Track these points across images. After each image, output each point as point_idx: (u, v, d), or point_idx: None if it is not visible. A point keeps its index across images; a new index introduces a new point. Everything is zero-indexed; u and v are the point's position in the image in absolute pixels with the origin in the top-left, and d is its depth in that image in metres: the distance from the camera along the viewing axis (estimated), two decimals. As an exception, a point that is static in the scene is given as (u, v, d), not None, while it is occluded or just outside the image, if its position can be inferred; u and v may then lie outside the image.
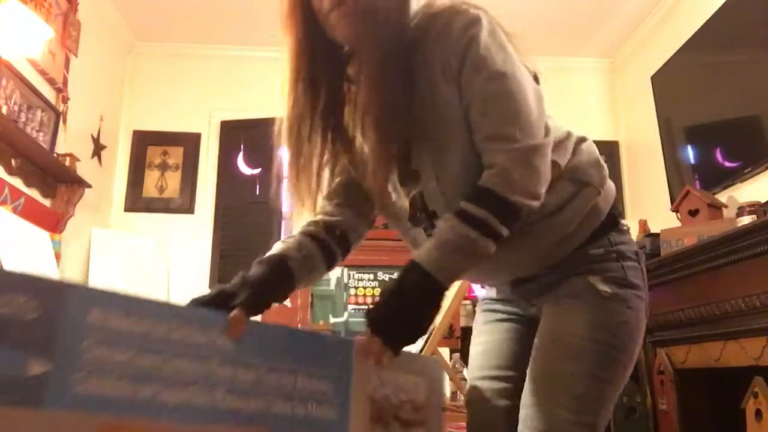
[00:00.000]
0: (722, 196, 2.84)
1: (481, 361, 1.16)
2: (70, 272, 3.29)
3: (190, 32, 3.92)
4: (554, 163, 0.99)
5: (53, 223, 3.06)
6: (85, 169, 3.30)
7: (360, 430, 0.87)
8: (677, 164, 3.29)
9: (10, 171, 2.74)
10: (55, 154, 3.02)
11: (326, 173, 1.06)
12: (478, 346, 1.19)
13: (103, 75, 3.76)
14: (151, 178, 3.99)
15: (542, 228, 1.00)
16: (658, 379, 2.66)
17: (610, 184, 1.08)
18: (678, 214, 2.85)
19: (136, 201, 3.95)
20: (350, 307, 3.76)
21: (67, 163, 3.07)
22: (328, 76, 1.00)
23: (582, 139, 1.10)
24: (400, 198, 1.05)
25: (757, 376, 2.01)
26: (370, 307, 0.89)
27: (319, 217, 1.09)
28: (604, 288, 1.00)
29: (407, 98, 0.95)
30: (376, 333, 0.86)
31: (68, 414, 0.62)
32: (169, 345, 0.72)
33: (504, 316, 1.17)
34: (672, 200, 3.10)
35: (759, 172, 2.65)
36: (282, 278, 0.99)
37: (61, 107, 3.15)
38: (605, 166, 1.09)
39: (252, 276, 0.95)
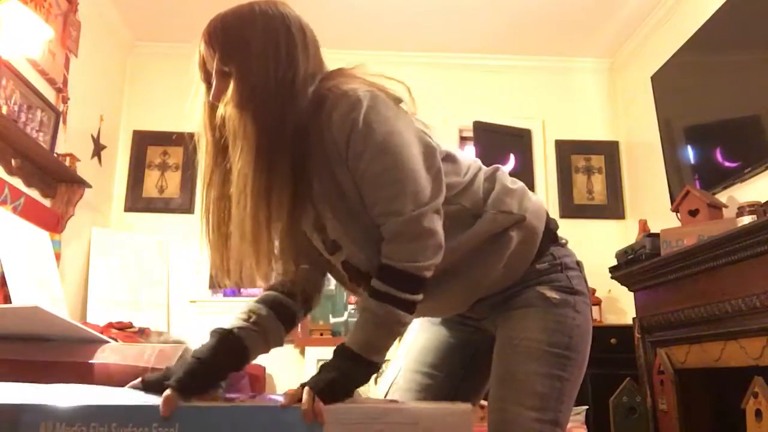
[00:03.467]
0: (722, 196, 2.84)
1: (420, 355, 1.25)
2: (70, 272, 3.29)
3: (190, 32, 3.88)
4: (462, 207, 1.05)
5: (53, 223, 3.06)
6: (85, 169, 3.30)
7: None
8: (677, 164, 3.29)
9: (10, 171, 2.74)
10: (55, 154, 3.02)
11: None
12: (420, 340, 1.27)
13: (103, 75, 3.76)
14: (151, 178, 3.99)
15: (483, 255, 1.06)
16: (658, 379, 2.66)
17: (535, 202, 1.14)
18: (678, 214, 2.85)
19: (136, 201, 3.95)
20: (350, 306, 3.77)
21: (67, 163, 3.07)
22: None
23: (495, 169, 1.15)
24: (338, 266, 1.10)
25: (757, 376, 2.01)
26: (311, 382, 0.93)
27: (276, 278, 1.14)
28: (553, 295, 1.08)
29: (300, 181, 1.00)
30: (315, 393, 0.91)
31: None
32: None
33: (456, 319, 1.22)
34: (672, 200, 3.10)
35: (759, 172, 2.65)
36: (232, 349, 1.04)
37: (61, 107, 3.15)
38: (518, 187, 1.14)
39: (197, 352, 1.02)
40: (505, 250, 1.07)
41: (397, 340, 1.03)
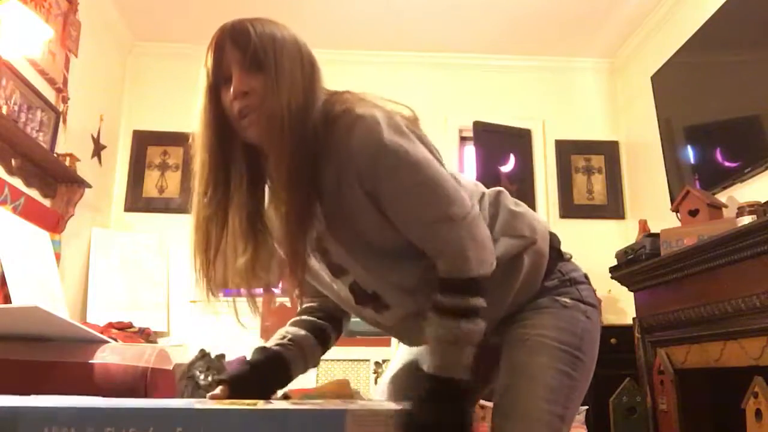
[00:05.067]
0: (722, 196, 2.84)
1: (405, 364, 1.27)
2: (70, 272, 3.29)
3: (190, 32, 3.91)
4: None
5: (53, 223, 3.06)
6: (85, 169, 3.30)
7: None
8: (677, 164, 3.29)
9: (10, 171, 2.74)
10: (55, 154, 3.02)
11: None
12: (411, 349, 1.28)
13: (103, 75, 3.76)
14: (151, 178, 3.99)
15: (498, 282, 1.05)
16: (658, 379, 2.66)
17: (539, 222, 1.14)
18: (678, 214, 2.85)
19: (136, 201, 3.95)
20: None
21: (67, 163, 3.07)
22: (243, 171, 1.04)
23: (498, 193, 1.15)
24: (341, 288, 1.10)
25: (757, 376, 2.01)
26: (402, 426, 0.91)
27: (308, 305, 1.20)
28: (565, 300, 1.10)
29: (314, 198, 0.98)
30: None
31: None
32: None
33: None
34: (672, 200, 3.10)
35: (759, 172, 2.65)
36: (279, 365, 1.09)
37: (61, 107, 3.15)
38: (523, 209, 1.14)
39: (249, 361, 1.08)
40: (519, 275, 1.08)
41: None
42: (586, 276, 1.17)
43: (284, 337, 1.13)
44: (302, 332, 1.15)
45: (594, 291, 1.17)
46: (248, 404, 0.88)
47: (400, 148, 0.96)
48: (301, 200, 0.96)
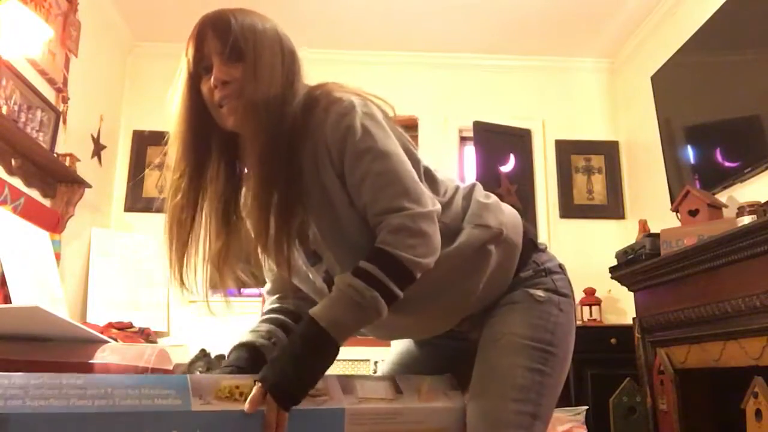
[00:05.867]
0: (722, 196, 2.84)
1: (400, 358, 1.29)
2: (70, 272, 3.29)
3: (190, 32, 3.90)
4: (443, 225, 1.04)
5: (53, 223, 3.06)
6: (85, 169, 3.30)
7: None
8: (677, 164, 3.29)
9: (10, 171, 2.74)
10: (55, 154, 3.02)
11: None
12: (405, 343, 1.29)
13: (103, 75, 3.76)
14: (151, 178, 3.99)
15: (463, 272, 1.06)
16: (658, 379, 2.66)
17: (509, 214, 1.15)
18: (678, 214, 2.85)
19: (136, 201, 3.94)
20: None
21: (67, 163, 3.07)
22: (219, 159, 1.07)
23: (471, 186, 1.15)
24: (316, 277, 1.09)
25: (757, 376, 2.01)
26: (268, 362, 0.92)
27: (275, 305, 1.18)
28: (538, 293, 1.09)
29: (293, 184, 0.99)
30: (267, 389, 0.88)
31: None
32: None
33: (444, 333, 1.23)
34: (672, 200, 3.10)
35: (759, 172, 2.65)
36: (258, 364, 1.06)
37: (61, 107, 3.15)
38: (492, 201, 1.14)
39: (235, 360, 1.07)
40: (486, 267, 1.07)
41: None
42: (561, 266, 1.17)
43: (270, 338, 1.12)
44: (282, 335, 1.13)
45: (569, 281, 1.16)
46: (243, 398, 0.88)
47: (369, 134, 0.98)
48: (276, 184, 0.97)
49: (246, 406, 0.86)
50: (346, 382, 0.98)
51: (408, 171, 1.00)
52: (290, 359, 0.91)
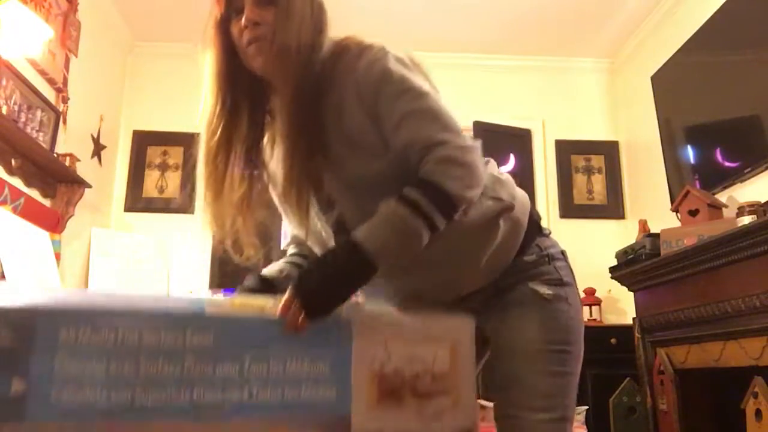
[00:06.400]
0: (722, 196, 2.84)
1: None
2: (70, 272, 3.29)
3: (190, 32, 3.89)
4: None
5: (53, 223, 3.06)
6: (85, 169, 3.30)
7: (364, 408, 0.86)
8: (677, 164, 3.29)
9: (10, 171, 2.74)
10: (55, 154, 3.02)
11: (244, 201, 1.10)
12: None
13: (103, 75, 3.76)
14: (151, 178, 3.99)
15: (471, 241, 1.06)
16: (658, 379, 2.66)
17: (521, 194, 1.16)
18: (678, 214, 2.85)
19: (136, 201, 3.94)
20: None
21: (67, 163, 3.07)
22: (247, 104, 1.08)
23: (486, 161, 1.15)
24: (325, 226, 1.10)
25: (757, 376, 2.01)
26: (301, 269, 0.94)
27: (292, 251, 1.23)
28: (546, 291, 1.08)
29: (317, 128, 1.01)
30: (298, 294, 0.89)
31: (51, 425, 0.69)
32: (141, 350, 0.76)
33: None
34: (672, 200, 3.10)
35: (759, 172, 2.65)
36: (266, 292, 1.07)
37: (61, 107, 3.15)
38: (506, 177, 1.16)
39: (243, 286, 1.11)
40: (493, 240, 1.07)
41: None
42: (563, 252, 1.17)
43: (281, 272, 1.16)
44: (294, 270, 1.17)
45: (571, 268, 1.16)
46: (257, 309, 0.90)
47: (404, 76, 1.01)
48: (304, 129, 0.99)
49: (278, 311, 0.87)
50: (353, 302, 0.99)
51: (445, 108, 1.01)
52: (328, 273, 0.91)
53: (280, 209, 1.15)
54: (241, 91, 1.07)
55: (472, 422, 0.91)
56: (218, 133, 1.05)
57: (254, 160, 1.10)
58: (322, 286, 0.90)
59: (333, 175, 1.03)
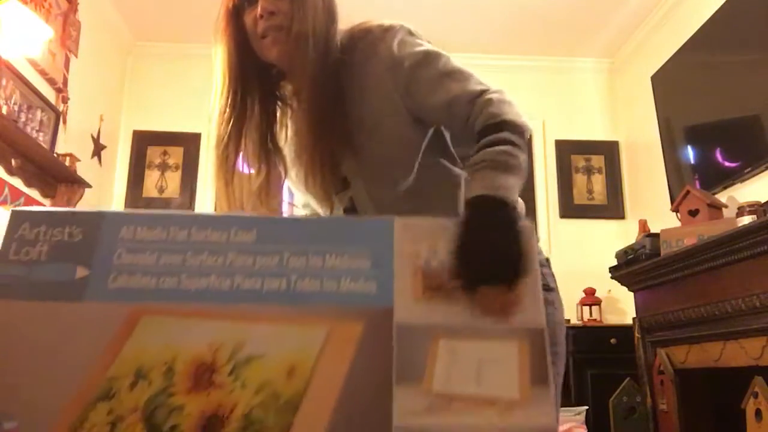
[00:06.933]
0: (722, 196, 2.84)
1: None
2: (70, 272, 3.29)
3: (190, 32, 3.91)
4: (450, 172, 1.09)
5: (53, 223, 3.05)
6: (85, 169, 3.30)
7: (407, 301, 0.83)
8: (677, 164, 3.29)
9: (10, 171, 2.74)
10: (55, 154, 3.02)
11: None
12: None
13: (103, 75, 3.76)
14: (151, 178, 3.99)
15: None
16: (658, 379, 2.66)
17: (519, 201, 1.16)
18: (678, 214, 2.85)
19: (136, 201, 3.94)
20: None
21: (67, 163, 3.07)
22: (258, 92, 1.10)
23: None
24: (338, 208, 1.11)
25: (757, 376, 2.01)
26: (450, 257, 0.83)
27: None
28: None
29: (338, 113, 1.02)
30: (476, 283, 0.81)
31: (103, 305, 0.82)
32: (189, 245, 0.87)
33: None
34: (672, 200, 3.10)
35: (759, 172, 2.65)
36: None
37: (61, 107, 3.15)
38: None
39: None
40: None
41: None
42: (547, 259, 1.17)
43: None
44: None
45: (553, 275, 1.17)
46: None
47: (429, 48, 1.06)
48: (325, 115, 1.01)
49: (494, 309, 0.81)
50: None
51: (469, 71, 1.06)
52: (489, 240, 0.83)
53: (297, 193, 1.17)
54: (253, 80, 1.08)
55: (538, 323, 0.82)
56: (230, 121, 1.07)
57: (269, 147, 1.12)
58: (491, 257, 0.82)
59: (350, 158, 1.05)
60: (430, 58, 1.04)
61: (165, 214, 0.91)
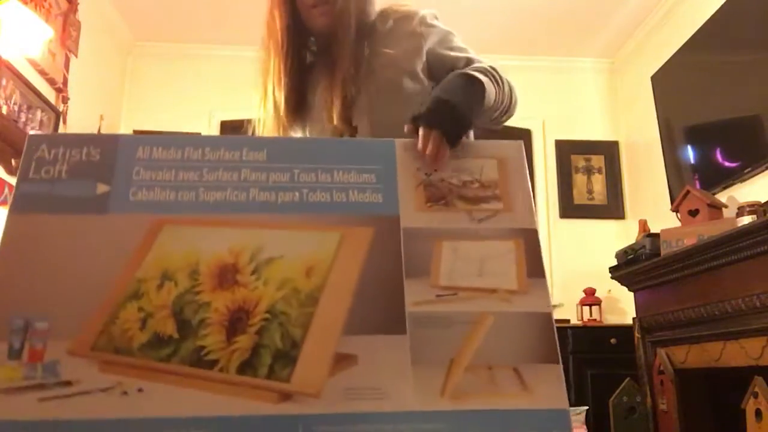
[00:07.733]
0: (722, 196, 2.84)
1: None
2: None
3: (190, 32, 3.91)
4: None
5: (53, 223, 3.06)
6: (85, 169, 3.30)
7: (412, 210, 0.92)
8: (677, 164, 3.29)
9: (10, 171, 2.74)
10: (55, 154, 3.02)
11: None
12: None
13: (103, 75, 3.76)
14: (151, 178, 3.99)
15: None
16: (658, 379, 2.66)
17: None
18: (678, 214, 2.85)
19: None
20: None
21: (67, 163, 3.07)
22: (297, 47, 1.30)
23: None
24: None
25: (757, 376, 2.01)
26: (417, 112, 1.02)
27: None
28: None
29: (368, 68, 1.21)
30: (433, 125, 0.97)
31: (126, 216, 0.88)
32: (204, 163, 0.93)
33: None
34: (672, 200, 3.10)
35: (759, 172, 2.65)
36: None
37: (61, 107, 3.15)
38: None
39: None
40: None
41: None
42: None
43: None
44: None
45: None
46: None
47: (446, 27, 1.29)
48: (357, 66, 1.21)
49: (419, 144, 0.97)
50: None
51: None
52: (456, 101, 1.03)
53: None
54: (297, 38, 1.28)
55: (530, 224, 0.94)
56: (286, 42, 1.25)
57: (300, 101, 1.29)
58: (454, 113, 1.01)
59: (365, 113, 1.20)
60: (451, 34, 1.27)
61: (177, 137, 1.02)
